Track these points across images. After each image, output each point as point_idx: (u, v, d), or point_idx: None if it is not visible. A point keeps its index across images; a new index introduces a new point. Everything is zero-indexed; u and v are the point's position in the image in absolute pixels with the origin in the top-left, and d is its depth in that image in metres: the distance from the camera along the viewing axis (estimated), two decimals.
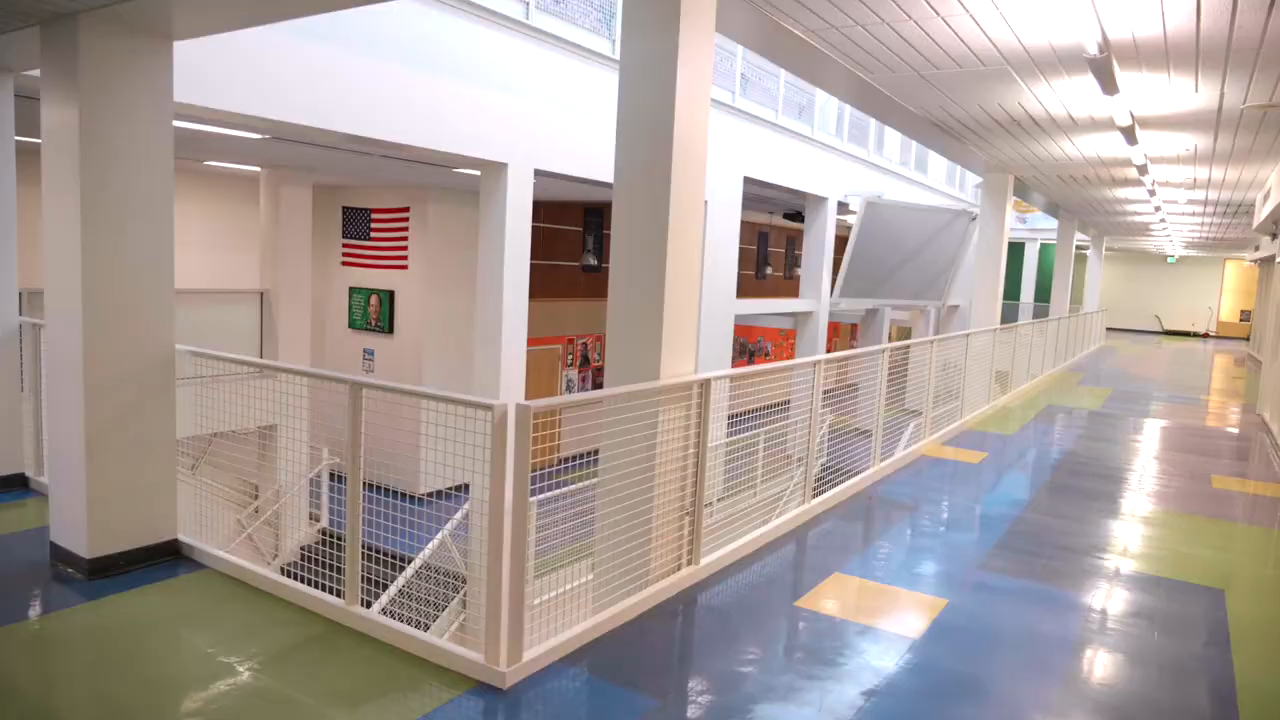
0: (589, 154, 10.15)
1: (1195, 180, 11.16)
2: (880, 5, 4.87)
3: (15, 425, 5.57)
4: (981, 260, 12.20)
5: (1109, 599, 4.78)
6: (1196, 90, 6.32)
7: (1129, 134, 7.70)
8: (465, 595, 9.73)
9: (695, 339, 4.60)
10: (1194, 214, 15.18)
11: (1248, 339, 29.87)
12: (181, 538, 4.60)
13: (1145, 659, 3.99)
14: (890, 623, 4.24)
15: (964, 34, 5.30)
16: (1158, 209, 14.12)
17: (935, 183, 22.57)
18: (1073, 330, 18.66)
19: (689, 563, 4.61)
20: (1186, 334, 31.55)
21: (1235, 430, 11.10)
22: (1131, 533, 6.11)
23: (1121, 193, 12.94)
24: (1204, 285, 31.44)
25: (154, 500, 4.46)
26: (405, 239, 13.12)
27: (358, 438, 3.82)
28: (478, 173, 10.12)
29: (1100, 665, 3.96)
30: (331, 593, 4.02)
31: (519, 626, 3.42)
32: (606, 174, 10.49)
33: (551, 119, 9.55)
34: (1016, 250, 26.06)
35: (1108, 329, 26.78)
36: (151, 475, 4.43)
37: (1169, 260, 31.71)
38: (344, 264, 13.90)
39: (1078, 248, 22.70)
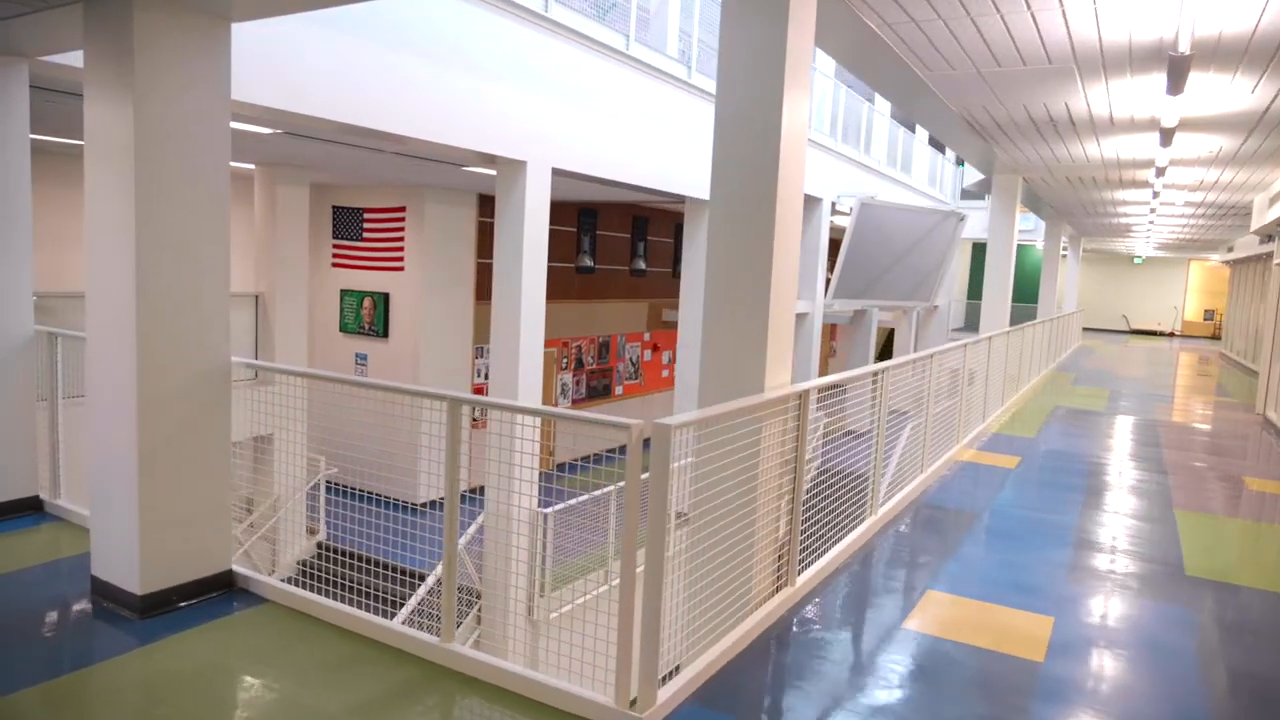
0: (607, 153, 9.85)
1: (1202, 182, 11.24)
2: (975, 1, 4.68)
3: (30, 444, 5.09)
4: (991, 262, 12.15)
5: (1210, 611, 4.64)
6: (1254, 91, 6.26)
7: (1167, 135, 7.64)
8: (480, 610, 9.40)
9: (791, 346, 4.34)
10: (1185, 215, 15.37)
11: (1212, 338, 30.65)
12: (236, 568, 4.19)
13: None
14: (1008, 644, 4.03)
15: (1046, 30, 5.13)
16: (1153, 210, 14.25)
17: (919, 183, 22.66)
18: (1060, 331, 18.85)
19: (786, 584, 4.35)
20: (1153, 333, 32.25)
21: (1244, 431, 11.19)
22: (1194, 540, 6.00)
23: (1122, 194, 13.01)
24: (1169, 286, 32.17)
25: (209, 527, 4.06)
26: (401, 240, 12.66)
27: (455, 459, 3.47)
28: (491, 172, 9.77)
29: (1244, 683, 3.78)
30: (412, 624, 3.68)
31: (653, 664, 3.11)
32: (624, 174, 10.29)
33: (570, 117, 9.22)
34: None
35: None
36: (207, 500, 4.03)
37: (1135, 261, 32.38)
38: (334, 265, 13.38)
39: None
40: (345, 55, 6.70)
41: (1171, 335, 32.01)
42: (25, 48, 4.75)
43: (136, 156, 3.60)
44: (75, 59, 5.11)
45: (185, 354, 3.87)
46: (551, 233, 8.99)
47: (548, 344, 15.92)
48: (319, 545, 11.50)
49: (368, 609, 4.04)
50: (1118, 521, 6.32)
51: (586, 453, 14.16)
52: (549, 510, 9.27)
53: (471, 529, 9.24)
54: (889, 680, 3.63)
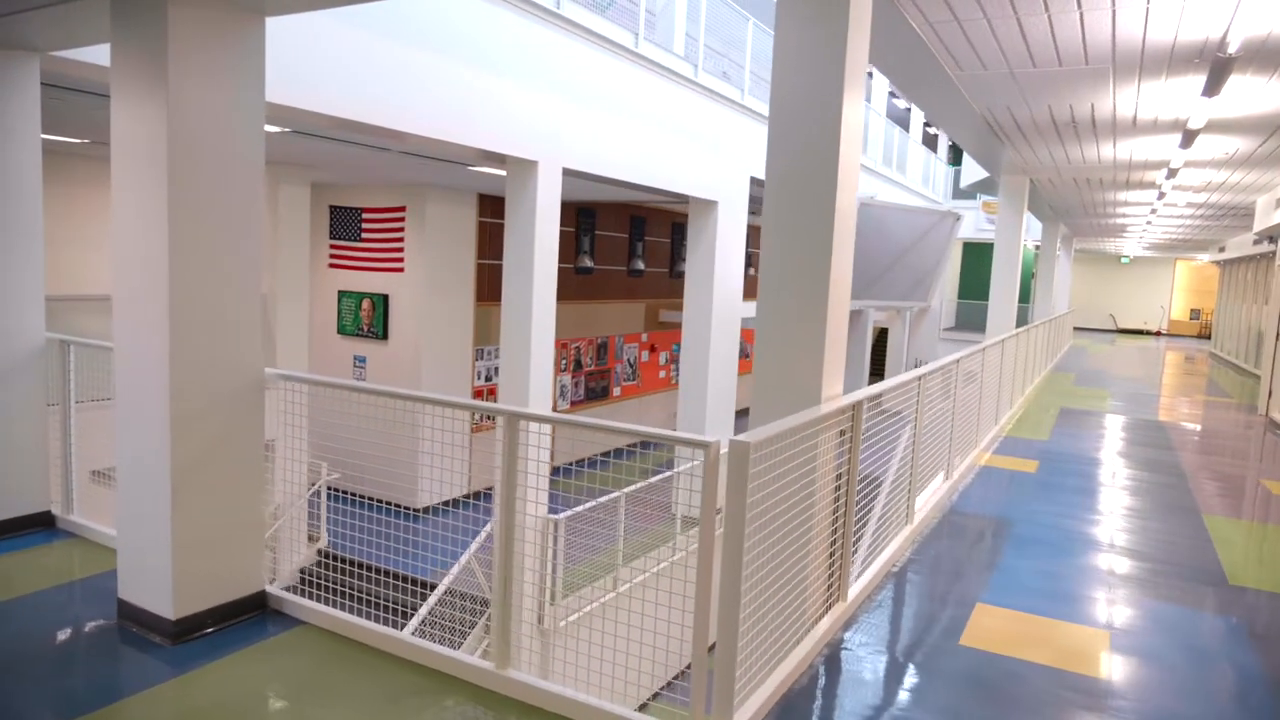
0: (617, 153, 9.69)
1: (1209, 184, 11.24)
2: (1026, 0, 4.57)
3: (42, 457, 4.87)
4: (998, 263, 12.10)
5: (1264, 623, 4.57)
6: None
7: (1190, 137, 7.59)
8: (489, 619, 9.22)
9: (844, 354, 4.21)
10: (1184, 216, 15.42)
11: (1199, 337, 30.93)
12: (269, 589, 4.01)
13: None
14: (1069, 660, 3.92)
15: (1090, 30, 5.04)
16: (1154, 211, 14.28)
17: (913, 183, 22.67)
18: (1056, 332, 18.89)
19: (838, 599, 4.22)
20: (1140, 332, 32.50)
21: (1251, 433, 11.21)
22: (1229, 547, 5.94)
23: (1126, 195, 13.01)
24: (1156, 285, 32.43)
25: (242, 547, 3.87)
26: (401, 240, 12.43)
27: (512, 476, 3.31)
28: (498, 172, 9.59)
29: None
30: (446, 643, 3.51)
31: (729, 689, 2.97)
32: (634, 175, 10.14)
33: (581, 116, 9.05)
34: (986, 251, 26.30)
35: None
36: (240, 518, 3.84)
37: (1122, 261, 32.62)
38: (331, 266, 13.12)
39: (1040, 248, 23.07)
40: (356, 51, 6.50)
41: (1158, 334, 32.27)
42: (38, 41, 4.53)
43: (170, 160, 3.41)
44: (88, 54, 4.91)
45: (219, 367, 3.68)
46: None
47: None
48: (320, 553, 11.27)
49: (374, 619, 3.92)
50: (1149, 528, 6.25)
51: (581, 456, 13.99)
52: (560, 516, 9.12)
53: (481, 535, 9.07)
54: (961, 702, 3.50)
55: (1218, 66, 5.29)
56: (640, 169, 10.27)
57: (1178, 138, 7.92)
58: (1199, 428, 11.28)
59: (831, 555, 4.16)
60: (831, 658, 3.83)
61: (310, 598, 4.05)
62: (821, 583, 4.09)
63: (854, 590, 4.43)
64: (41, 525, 4.92)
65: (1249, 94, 6.31)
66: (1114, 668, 3.88)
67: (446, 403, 3.58)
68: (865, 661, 3.87)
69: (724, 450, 2.89)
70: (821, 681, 3.62)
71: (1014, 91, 6.72)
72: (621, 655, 3.77)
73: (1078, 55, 5.61)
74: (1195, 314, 31.68)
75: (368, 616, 3.96)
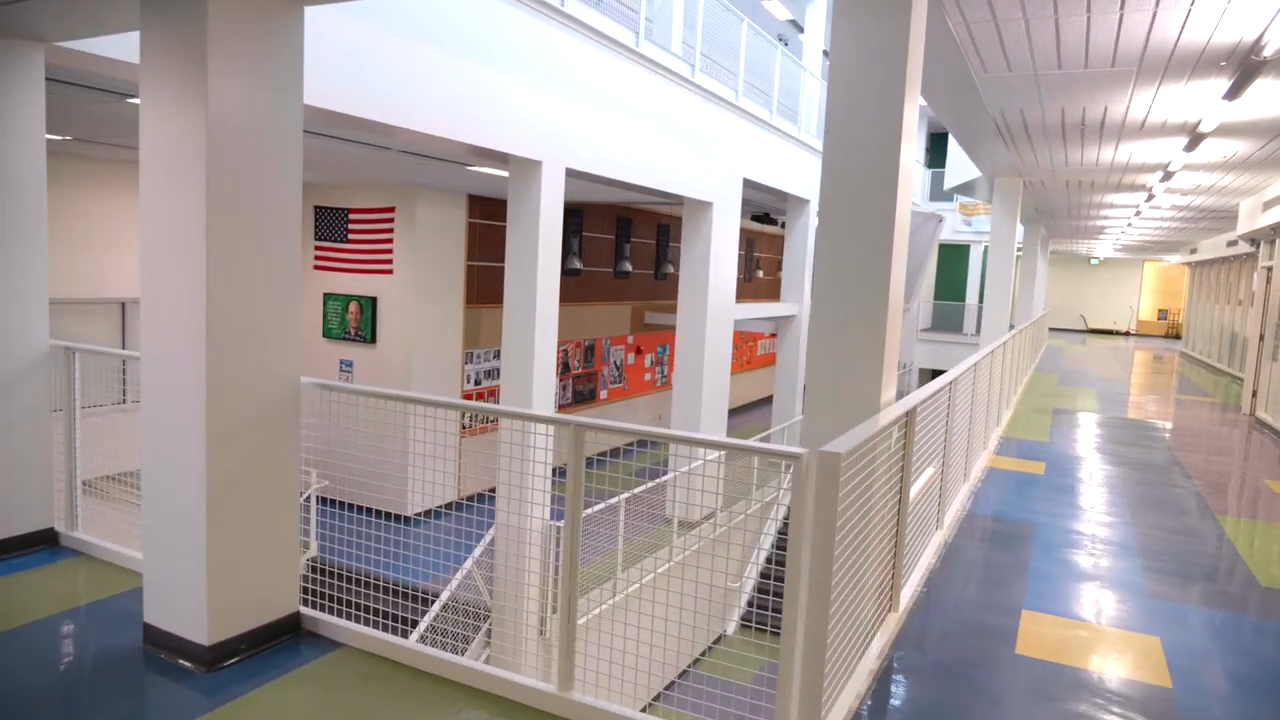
0: (619, 154, 9.54)
1: (1199, 186, 11.38)
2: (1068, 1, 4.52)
3: (46, 471, 4.59)
4: (993, 266, 12.15)
5: None
6: None
7: (1197, 140, 7.64)
8: (490, 627, 9.02)
9: (898, 359, 4.12)
10: (1165, 219, 15.65)
11: (1166, 337, 31.55)
12: (303, 610, 3.80)
13: None
14: (1130, 669, 3.87)
15: (1127, 31, 5.01)
16: (1138, 213, 14.47)
17: None
18: (1037, 332, 19.11)
19: (891, 608, 4.13)
20: (1109, 332, 33.08)
21: (1241, 432, 11.37)
22: (1251, 549, 5.96)
23: (1114, 198, 13.16)
24: (1125, 286, 33.04)
25: (277, 567, 3.67)
26: (390, 241, 12.14)
27: (578, 488, 3.16)
28: (498, 173, 9.39)
29: None
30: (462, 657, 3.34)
31: (815, 702, 2.84)
32: (634, 175, 9.98)
33: (583, 115, 8.89)
34: (962, 252, 26.67)
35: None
36: (277, 536, 3.63)
37: (1092, 262, 33.17)
38: (316, 268, 12.78)
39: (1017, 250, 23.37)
40: (359, 46, 6.28)
41: (1127, 334, 32.87)
42: (45, 31, 4.26)
43: (209, 157, 3.20)
44: (91, 45, 4.64)
45: (257, 376, 3.47)
46: None
47: None
48: (310, 561, 10.96)
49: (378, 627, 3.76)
50: (1167, 529, 6.26)
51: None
52: (562, 522, 8.94)
53: (484, 541, 8.86)
54: (1025, 714, 3.42)
55: (1247, 69, 5.30)
56: (640, 170, 10.13)
57: (1183, 141, 7.97)
58: (1188, 428, 11.43)
59: (889, 566, 4.06)
60: (891, 669, 3.72)
61: (342, 616, 3.86)
62: (877, 592, 3.99)
63: (904, 598, 4.34)
64: (44, 543, 4.65)
65: (1266, 98, 6.35)
66: (1175, 676, 3.82)
67: (501, 412, 3.42)
68: (927, 672, 3.77)
69: (813, 461, 2.77)
70: (889, 695, 3.51)
71: (1032, 93, 6.70)
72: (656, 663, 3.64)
73: (1106, 57, 5.58)
74: (1163, 314, 32.33)
75: (370, 627, 3.78)
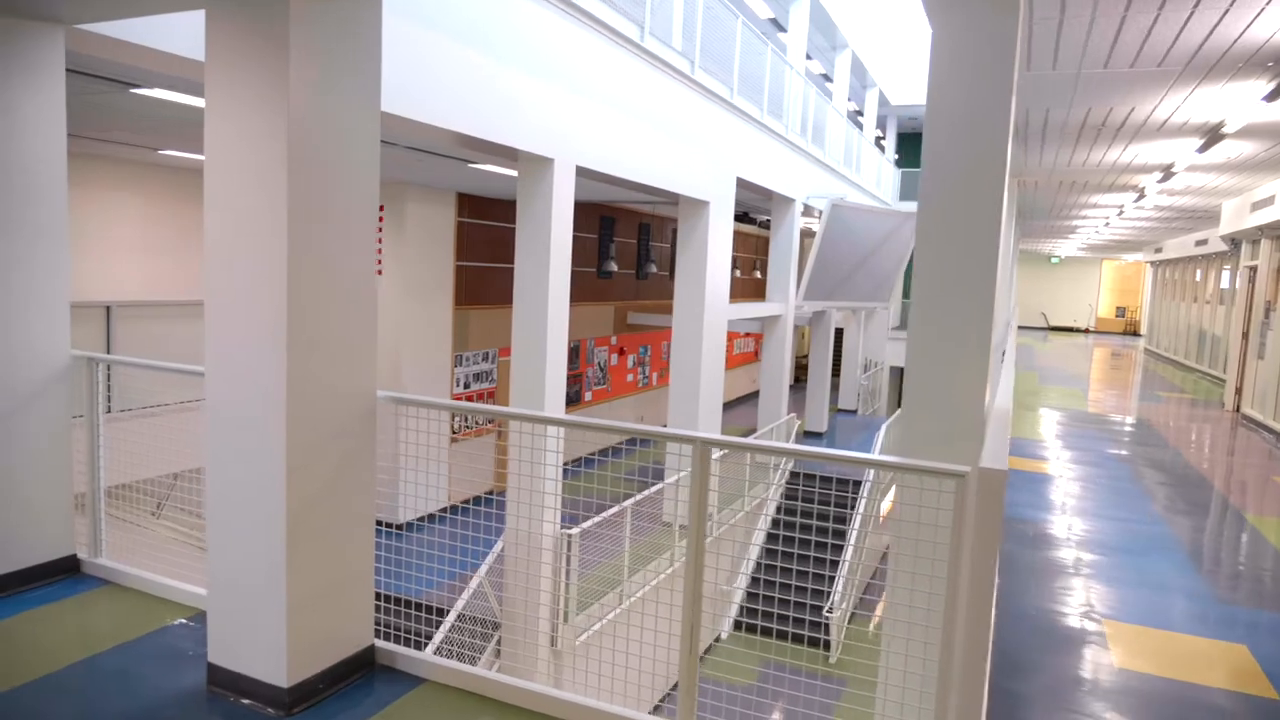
0: (624, 151, 9.31)
1: (1188, 187, 11.57)
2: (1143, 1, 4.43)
3: (67, 494, 4.21)
4: None
5: None
6: None
7: (1215, 140, 7.70)
8: (500, 641, 8.74)
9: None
10: (1142, 219, 15.94)
11: (1124, 333, 32.36)
12: (378, 643, 3.52)
13: None
14: (1234, 681, 3.79)
15: (1191, 28, 4.95)
16: (1120, 213, 14.70)
17: (868, 184, 22.91)
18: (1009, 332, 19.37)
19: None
20: (1070, 329, 33.83)
21: (1229, 429, 11.60)
22: None
23: (1100, 198, 13.33)
24: (1084, 284, 33.82)
25: (354, 598, 3.38)
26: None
27: (703, 508, 2.94)
28: (505, 172, 9.10)
29: None
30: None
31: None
32: (638, 174, 9.74)
33: (591, 111, 8.64)
34: None
35: None
36: (354, 566, 3.35)
37: (1052, 261, 33.88)
38: None
39: None
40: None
41: (1087, 331, 33.65)
42: (65, 12, 3.88)
43: (290, 157, 2.91)
44: (114, 29, 4.27)
45: (336, 394, 3.19)
46: None
47: None
48: None
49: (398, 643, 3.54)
50: (1201, 526, 6.28)
51: (566, 459, 13.53)
52: (574, 531, 8.71)
53: (494, 552, 8.57)
54: None
55: None
56: (644, 168, 9.92)
57: (1198, 142, 8.03)
58: (1178, 424, 11.62)
59: None
60: (1004, 680, 3.58)
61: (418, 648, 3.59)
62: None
63: None
64: (66, 572, 4.27)
65: None
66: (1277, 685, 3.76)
67: (592, 426, 3.19)
68: (1041, 688, 3.64)
69: (977, 480, 2.60)
70: (1007, 709, 3.38)
71: (1065, 93, 6.64)
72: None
73: (1156, 57, 5.54)
74: (1121, 311, 33.16)
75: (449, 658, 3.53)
